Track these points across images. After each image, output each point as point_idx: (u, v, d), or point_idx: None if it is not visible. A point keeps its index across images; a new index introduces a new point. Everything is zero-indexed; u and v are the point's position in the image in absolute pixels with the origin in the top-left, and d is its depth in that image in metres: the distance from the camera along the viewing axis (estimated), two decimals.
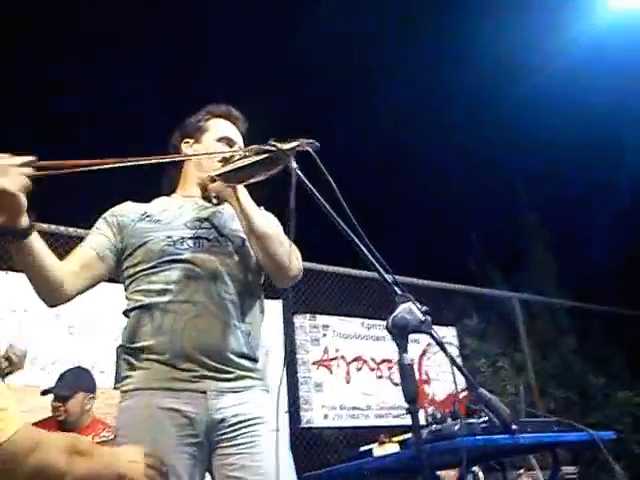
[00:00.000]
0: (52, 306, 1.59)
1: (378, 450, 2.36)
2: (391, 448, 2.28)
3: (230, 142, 1.83)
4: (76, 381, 3.28)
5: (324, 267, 5.12)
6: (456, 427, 1.95)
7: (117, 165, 1.41)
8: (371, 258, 1.41)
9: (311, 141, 1.50)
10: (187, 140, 1.85)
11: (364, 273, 5.11)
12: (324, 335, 5.25)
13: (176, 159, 1.82)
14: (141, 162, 1.46)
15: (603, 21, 6.66)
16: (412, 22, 7.05)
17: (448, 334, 5.95)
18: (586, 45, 6.85)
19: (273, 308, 4.82)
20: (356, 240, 1.40)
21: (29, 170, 1.26)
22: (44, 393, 3.25)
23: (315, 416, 4.93)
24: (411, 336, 1.37)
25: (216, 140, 1.82)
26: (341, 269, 5.25)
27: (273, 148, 1.47)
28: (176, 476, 1.47)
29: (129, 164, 1.44)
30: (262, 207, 1.77)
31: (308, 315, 5.20)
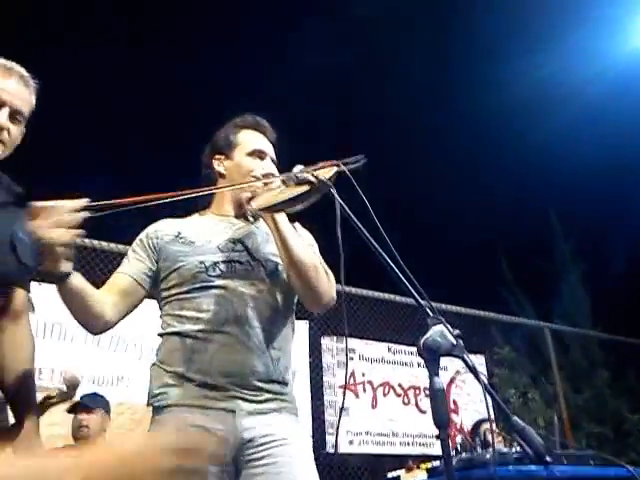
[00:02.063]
0: (94, 334, 1.65)
1: (406, 477, 2.30)
2: (419, 475, 2.23)
3: (261, 154, 1.82)
4: (97, 400, 3.41)
5: (352, 289, 5.09)
6: (488, 455, 1.90)
7: (164, 201, 1.44)
8: (405, 281, 1.39)
9: (354, 160, 1.50)
10: (218, 157, 1.84)
11: (391, 297, 5.06)
12: (351, 359, 5.20)
13: (222, 189, 1.79)
14: (187, 196, 1.49)
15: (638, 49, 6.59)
16: (444, 47, 7.08)
17: (476, 362, 5.83)
18: (620, 73, 6.77)
19: (300, 329, 4.80)
20: (391, 264, 1.39)
21: (83, 214, 1.29)
22: (72, 408, 3.30)
23: (340, 441, 4.86)
24: (443, 356, 1.34)
25: (247, 154, 1.81)
26: (370, 292, 5.21)
27: (313, 179, 1.47)
28: None
29: (176, 199, 1.47)
30: (296, 223, 1.77)
31: (335, 337, 5.15)
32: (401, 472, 2.35)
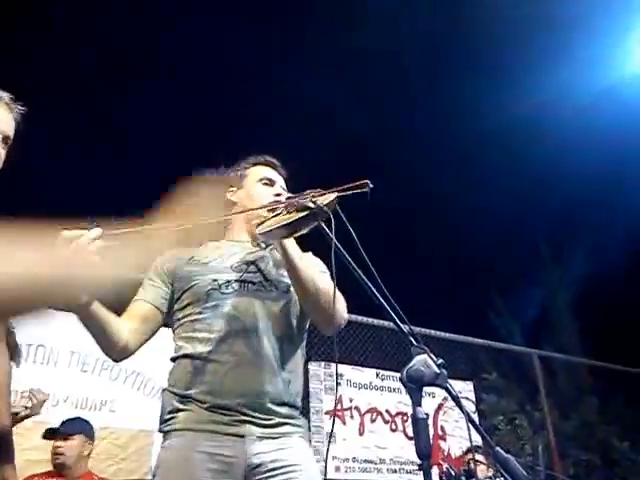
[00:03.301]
0: (116, 361, 1.65)
1: None
2: None
3: (271, 182, 1.88)
4: (77, 425, 3.31)
5: None
6: None
7: (179, 227, 1.45)
8: (388, 307, 1.40)
9: (361, 187, 1.52)
10: (231, 190, 1.90)
11: (379, 322, 5.06)
12: (338, 384, 5.17)
13: (231, 215, 1.84)
14: (200, 222, 1.51)
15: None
16: (444, 65, 7.15)
17: (465, 388, 5.82)
18: (617, 98, 6.85)
19: None
20: (374, 290, 1.40)
21: (100, 243, 1.28)
22: (47, 434, 3.24)
23: (327, 468, 4.81)
24: (427, 390, 1.35)
25: (257, 181, 1.87)
26: (357, 317, 5.21)
27: (312, 205, 1.49)
28: None
29: (187, 226, 1.48)
30: (309, 252, 1.80)
31: (323, 363, 5.13)
32: None
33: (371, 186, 1.51)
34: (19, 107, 1.63)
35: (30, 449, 3.53)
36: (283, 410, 1.62)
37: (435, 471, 3.08)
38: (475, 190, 7.58)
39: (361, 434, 5.14)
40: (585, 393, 6.82)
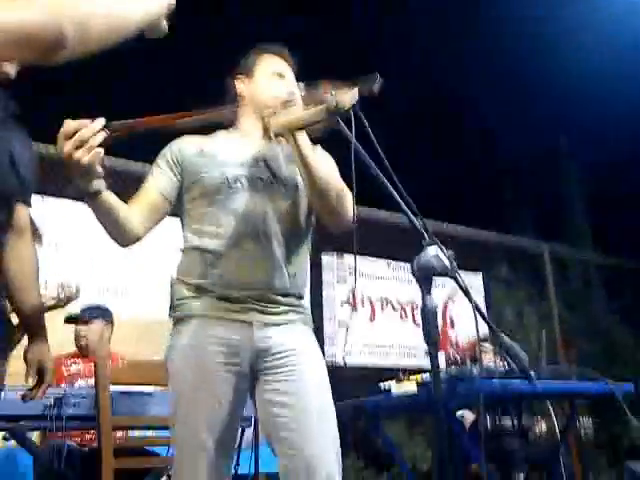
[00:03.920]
0: (124, 246, 1.67)
1: (396, 388, 2.41)
2: (409, 387, 2.33)
3: (281, 75, 1.81)
4: (95, 311, 3.49)
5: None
6: (474, 370, 1.97)
7: (184, 120, 1.44)
8: (400, 200, 1.40)
9: (370, 82, 1.48)
10: (239, 77, 1.84)
11: (391, 215, 5.07)
12: (350, 274, 5.29)
13: (234, 109, 1.81)
14: (207, 114, 1.48)
15: None
16: None
17: (474, 280, 5.94)
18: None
19: None
20: (386, 182, 1.40)
21: (102, 135, 1.31)
22: (68, 320, 3.39)
23: (338, 353, 5.03)
24: (437, 280, 1.37)
25: (268, 74, 1.81)
26: (371, 210, 5.23)
27: (333, 102, 1.45)
28: (218, 400, 1.57)
29: (195, 118, 1.46)
30: (318, 146, 1.76)
31: (335, 254, 5.22)
32: (392, 383, 2.46)
33: (379, 81, 1.47)
34: None
35: (54, 331, 3.70)
36: (288, 300, 1.67)
37: (443, 357, 3.21)
38: (499, 79, 7.29)
39: (372, 321, 5.33)
40: (593, 286, 6.92)
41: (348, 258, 5.32)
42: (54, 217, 3.82)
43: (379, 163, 1.42)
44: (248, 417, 1.71)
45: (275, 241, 1.66)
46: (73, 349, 3.44)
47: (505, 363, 2.06)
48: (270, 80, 1.80)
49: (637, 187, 7.15)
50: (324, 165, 1.66)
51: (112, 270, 4.23)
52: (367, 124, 1.41)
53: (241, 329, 1.61)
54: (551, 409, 3.18)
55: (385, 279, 5.53)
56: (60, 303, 2.73)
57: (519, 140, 7.45)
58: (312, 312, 4.91)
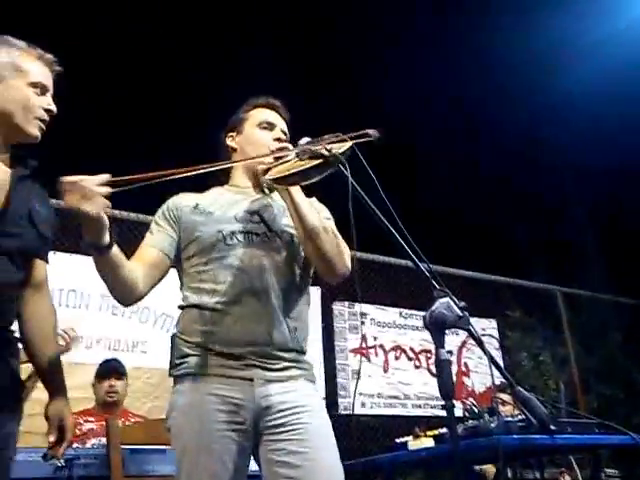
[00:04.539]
0: (126, 305, 1.68)
1: (413, 444, 2.35)
2: (426, 442, 2.27)
3: (271, 126, 1.84)
4: (121, 365, 3.48)
5: (364, 255, 5.11)
6: (493, 425, 1.93)
7: (185, 175, 1.47)
8: (408, 249, 1.40)
9: (369, 133, 1.50)
10: (230, 134, 1.88)
11: (400, 262, 5.07)
12: (362, 323, 5.26)
13: (237, 163, 1.83)
14: (202, 170, 1.52)
15: None
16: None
17: (488, 326, 5.88)
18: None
19: (312, 294, 4.84)
20: (394, 232, 1.41)
21: (107, 189, 1.35)
22: (103, 375, 3.36)
23: (353, 403, 4.95)
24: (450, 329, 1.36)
25: (256, 126, 1.84)
26: (381, 257, 5.23)
27: (327, 153, 1.47)
28: (221, 461, 1.53)
29: (191, 174, 1.50)
30: (313, 198, 1.79)
31: (347, 303, 5.20)
32: (409, 438, 2.41)
33: (378, 135, 1.49)
34: (58, 67, 1.67)
35: (72, 388, 3.68)
36: (289, 355, 1.65)
37: (459, 406, 3.14)
38: (498, 121, 7.37)
39: (386, 371, 5.26)
40: (608, 328, 6.82)
41: (359, 307, 5.30)
42: (65, 271, 3.86)
43: (386, 211, 1.43)
44: (256, 474, 1.66)
45: (273, 294, 1.65)
46: (83, 406, 3.40)
47: (524, 416, 2.01)
48: (259, 131, 1.83)
49: None
50: (318, 217, 1.66)
51: (124, 323, 4.23)
52: (350, 177, 1.42)
53: (242, 386, 1.58)
54: (573, 462, 3.09)
55: (398, 327, 5.48)
56: (66, 349, 2.72)
57: (529, 184, 7.49)
58: (324, 361, 4.89)
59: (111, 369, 3.40)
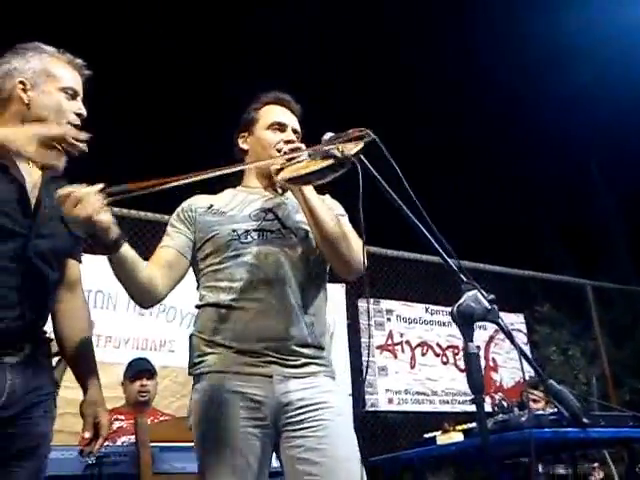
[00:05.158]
0: (146, 307, 1.70)
1: (442, 438, 2.32)
2: (455, 437, 2.25)
3: (281, 127, 1.83)
4: (152, 365, 3.50)
5: (387, 251, 5.08)
6: (523, 418, 1.89)
7: (181, 183, 1.48)
8: (436, 244, 1.39)
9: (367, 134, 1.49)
10: (242, 135, 1.88)
11: (427, 257, 5.03)
12: (388, 320, 5.24)
13: (248, 166, 1.83)
14: (211, 175, 1.52)
15: None
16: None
17: (517, 321, 5.80)
18: None
19: (337, 292, 4.83)
20: (420, 226, 1.39)
21: (100, 196, 1.37)
22: (136, 375, 3.39)
23: (380, 400, 4.94)
24: (478, 322, 1.34)
25: (266, 128, 1.83)
26: (406, 254, 5.20)
27: (339, 154, 1.47)
28: (243, 456, 1.53)
29: (199, 178, 1.50)
30: (327, 195, 1.78)
31: (372, 300, 5.18)
32: (437, 433, 2.38)
33: (374, 137, 1.47)
34: (87, 71, 1.70)
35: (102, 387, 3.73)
36: (308, 351, 1.64)
37: (487, 402, 3.11)
38: (521, 118, 7.28)
39: (412, 367, 5.23)
40: (639, 321, 6.69)
41: (384, 303, 5.27)
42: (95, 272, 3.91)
43: (412, 206, 1.41)
44: (278, 470, 1.66)
45: (290, 290, 1.65)
46: (111, 405, 3.43)
47: (555, 409, 1.98)
48: (270, 133, 1.82)
49: None
50: (331, 216, 1.66)
51: (151, 323, 4.26)
52: (375, 174, 1.41)
53: (262, 383, 1.58)
54: (607, 456, 3.03)
55: (424, 323, 5.45)
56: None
57: (557, 177, 7.38)
58: (350, 358, 4.86)
59: (143, 369, 3.43)
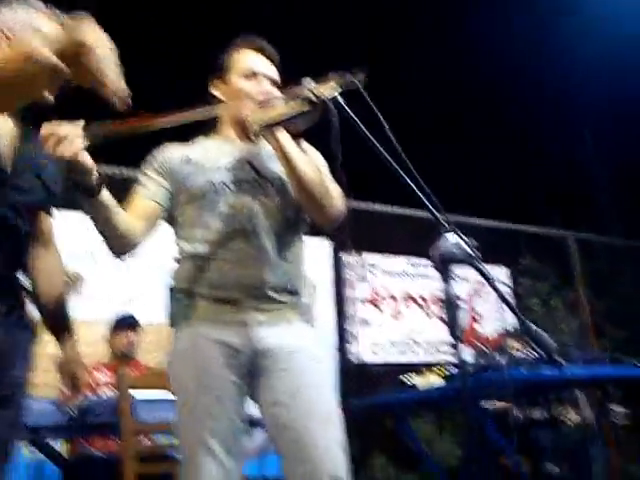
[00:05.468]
0: (119, 256, 1.65)
1: (422, 383, 2.36)
2: (436, 381, 2.28)
3: (256, 75, 1.76)
4: (134, 318, 3.55)
5: (371, 205, 5.07)
6: (502, 360, 1.92)
7: (164, 121, 1.44)
8: (419, 192, 1.38)
9: (353, 76, 1.45)
10: (216, 81, 1.82)
11: (411, 211, 5.03)
12: (371, 272, 5.26)
13: (218, 111, 1.77)
14: (181, 120, 1.48)
15: None
16: None
17: (500, 273, 5.86)
18: None
19: (321, 246, 4.84)
20: (401, 171, 1.38)
21: (81, 134, 1.34)
22: (119, 326, 3.43)
23: (364, 352, 5.00)
24: (461, 275, 1.35)
25: (241, 76, 1.76)
26: (390, 208, 5.19)
27: (313, 97, 1.43)
28: (221, 402, 1.55)
29: (172, 124, 1.46)
30: (303, 141, 1.74)
31: (356, 253, 5.20)
32: (415, 376, 2.41)
33: (363, 76, 1.43)
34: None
35: (82, 345, 3.74)
36: (284, 297, 1.65)
37: (470, 352, 3.16)
38: (515, 79, 7.19)
39: (396, 319, 5.28)
40: (621, 272, 6.78)
41: (368, 256, 5.29)
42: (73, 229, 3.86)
43: (395, 155, 1.39)
44: (259, 419, 1.68)
45: (266, 238, 1.64)
46: (97, 360, 3.45)
47: (533, 353, 2.01)
48: (244, 82, 1.75)
49: None
50: (308, 161, 1.63)
51: (131, 281, 4.24)
52: (354, 117, 1.38)
53: (238, 330, 1.59)
54: (583, 397, 3.10)
55: (408, 276, 5.48)
56: (70, 292, 2.74)
57: (540, 128, 7.35)
58: (334, 311, 4.89)
59: (128, 323, 3.46)
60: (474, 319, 5.61)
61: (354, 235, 4.97)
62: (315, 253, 4.24)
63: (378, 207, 5.15)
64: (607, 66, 6.81)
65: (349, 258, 5.12)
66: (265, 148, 1.73)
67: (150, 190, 1.71)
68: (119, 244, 1.61)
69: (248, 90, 1.74)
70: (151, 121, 1.45)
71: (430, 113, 7.13)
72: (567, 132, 7.46)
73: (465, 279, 5.40)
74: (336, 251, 5.02)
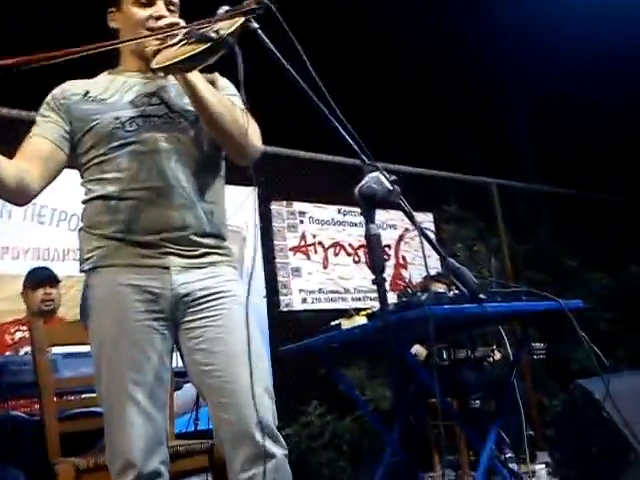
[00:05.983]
0: (21, 205, 1.58)
1: (346, 323, 2.38)
2: (359, 321, 2.31)
3: (149, 2, 1.63)
4: (53, 273, 3.37)
5: (299, 153, 5.01)
6: (423, 297, 1.96)
7: (60, 59, 1.31)
8: (341, 130, 1.35)
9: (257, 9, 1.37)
10: (111, 10, 1.69)
11: (338, 159, 5.00)
12: (301, 222, 5.26)
13: (116, 45, 1.59)
14: (85, 52, 1.35)
15: None
16: None
17: (425, 219, 5.97)
18: None
19: (248, 195, 4.76)
20: (324, 108, 1.34)
21: None
22: (39, 284, 3.25)
23: (294, 300, 5.03)
24: (389, 221, 1.34)
25: (132, 3, 1.64)
26: (316, 155, 5.14)
27: (215, 36, 1.34)
28: (141, 349, 1.49)
29: (66, 58, 1.33)
30: (216, 73, 1.67)
31: (284, 202, 5.17)
32: (342, 320, 2.44)
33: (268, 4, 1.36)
34: None
35: (2, 300, 3.58)
36: (208, 241, 1.59)
37: (395, 296, 3.22)
38: (441, 16, 7.15)
39: (325, 267, 5.32)
40: (541, 219, 7.04)
41: (297, 205, 5.27)
42: None
43: (321, 97, 1.34)
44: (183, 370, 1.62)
45: (184, 177, 1.56)
46: (14, 316, 3.31)
47: (455, 290, 2.05)
48: (136, 9, 1.63)
49: (583, 118, 7.24)
50: (217, 96, 1.54)
51: (52, 231, 4.06)
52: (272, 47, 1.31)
53: (158, 275, 1.52)
54: (505, 338, 3.24)
55: (336, 224, 5.51)
56: None
57: (464, 76, 7.41)
58: (264, 260, 4.87)
59: (45, 277, 3.30)
60: (400, 265, 5.72)
61: (283, 184, 4.93)
62: (240, 202, 4.16)
63: (308, 155, 5.08)
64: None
65: (278, 207, 5.08)
66: (173, 81, 1.62)
67: (48, 131, 1.59)
68: (18, 196, 1.51)
69: (141, 16, 1.61)
70: (47, 58, 1.33)
71: (357, 57, 7.03)
72: (487, 79, 7.56)
73: (393, 225, 5.50)
74: (262, 200, 4.96)
